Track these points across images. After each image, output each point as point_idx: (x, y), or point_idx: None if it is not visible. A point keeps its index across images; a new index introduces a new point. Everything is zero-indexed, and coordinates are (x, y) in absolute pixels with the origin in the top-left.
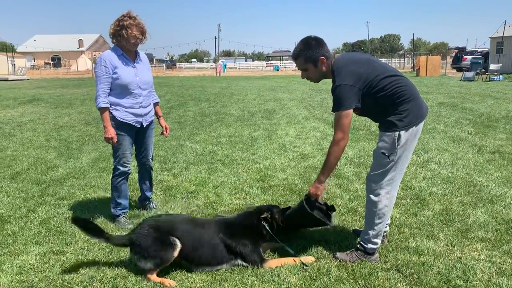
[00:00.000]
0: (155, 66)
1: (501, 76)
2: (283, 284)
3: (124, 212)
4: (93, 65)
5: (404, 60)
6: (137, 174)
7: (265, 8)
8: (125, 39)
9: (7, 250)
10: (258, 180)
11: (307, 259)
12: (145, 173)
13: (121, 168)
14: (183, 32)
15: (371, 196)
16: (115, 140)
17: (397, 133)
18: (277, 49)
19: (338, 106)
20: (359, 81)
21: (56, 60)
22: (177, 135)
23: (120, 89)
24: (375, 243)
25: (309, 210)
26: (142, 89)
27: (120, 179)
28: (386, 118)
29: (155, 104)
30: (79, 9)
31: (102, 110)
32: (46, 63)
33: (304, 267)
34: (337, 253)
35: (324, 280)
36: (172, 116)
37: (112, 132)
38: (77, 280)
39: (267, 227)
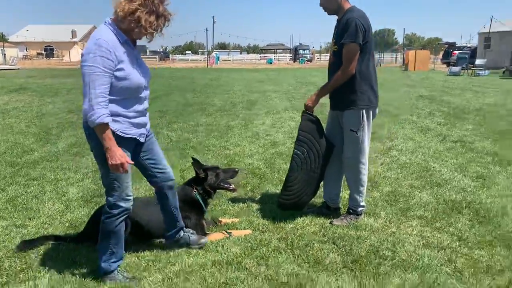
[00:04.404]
0: (148, 58)
1: (486, 71)
2: (225, 253)
3: (119, 265)
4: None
5: (396, 55)
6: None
7: (261, 1)
8: (141, 27)
9: None
10: (225, 165)
11: (245, 232)
12: (171, 197)
13: (124, 205)
14: (177, 24)
15: (352, 171)
16: (127, 165)
17: (360, 111)
18: (271, 42)
19: (353, 37)
20: (366, 32)
21: (48, 51)
22: (155, 123)
23: (127, 94)
24: (363, 206)
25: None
26: (148, 90)
27: (120, 219)
28: (343, 91)
29: None
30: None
31: (103, 126)
32: (38, 53)
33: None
34: (333, 220)
35: (263, 250)
36: (154, 106)
37: (122, 156)
38: (34, 249)
39: (199, 198)
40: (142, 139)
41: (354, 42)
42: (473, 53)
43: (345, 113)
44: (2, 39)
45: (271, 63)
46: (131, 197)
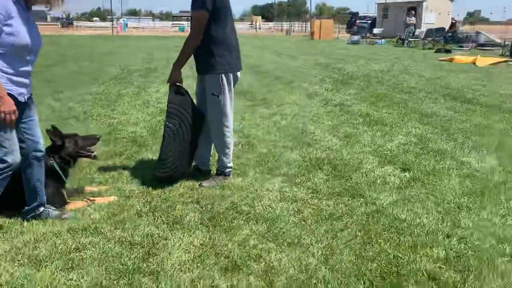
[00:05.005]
0: (49, 25)
1: (383, 40)
2: (84, 220)
3: None
4: None
5: (306, 24)
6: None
7: None
8: None
9: None
10: (106, 134)
11: (109, 199)
12: (37, 169)
13: (10, 160)
14: None
15: (217, 134)
16: (16, 115)
17: (219, 75)
18: (184, 9)
19: (201, 4)
20: None
21: None
22: (40, 93)
23: (11, 51)
24: (231, 167)
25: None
26: (35, 56)
27: (4, 175)
28: (203, 56)
29: None
30: None
31: None
32: None
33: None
34: (203, 182)
35: (124, 214)
36: (44, 74)
37: (13, 105)
38: None
39: (57, 168)
40: (21, 99)
41: (201, 9)
42: (374, 22)
43: (206, 77)
44: None
45: (183, 30)
46: (18, 153)
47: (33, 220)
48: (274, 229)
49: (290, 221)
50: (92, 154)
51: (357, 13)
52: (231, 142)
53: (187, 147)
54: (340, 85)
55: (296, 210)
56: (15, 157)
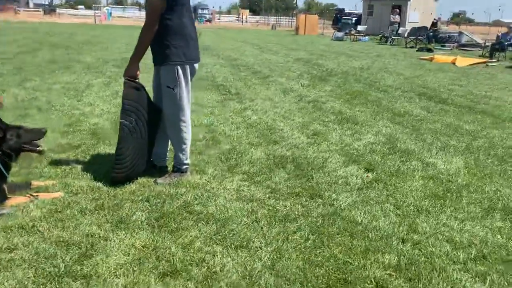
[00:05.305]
0: (31, 11)
1: (366, 37)
2: (23, 218)
3: None
4: None
5: (292, 19)
6: None
7: None
8: None
9: None
10: (66, 125)
11: (54, 194)
12: None
13: None
14: None
15: (173, 129)
16: None
17: (175, 67)
18: None
19: None
20: None
21: None
22: (7, 80)
23: None
24: (187, 164)
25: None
26: None
27: None
28: (158, 46)
29: None
30: None
31: None
32: None
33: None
34: (157, 179)
35: (67, 212)
36: (15, 62)
37: None
38: None
39: None
40: None
41: None
42: (359, 19)
43: (161, 68)
44: None
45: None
46: None
47: None
48: (224, 231)
49: (242, 222)
50: (38, 148)
51: (343, 9)
52: (188, 137)
53: (145, 145)
54: (317, 82)
55: (250, 210)
56: None
